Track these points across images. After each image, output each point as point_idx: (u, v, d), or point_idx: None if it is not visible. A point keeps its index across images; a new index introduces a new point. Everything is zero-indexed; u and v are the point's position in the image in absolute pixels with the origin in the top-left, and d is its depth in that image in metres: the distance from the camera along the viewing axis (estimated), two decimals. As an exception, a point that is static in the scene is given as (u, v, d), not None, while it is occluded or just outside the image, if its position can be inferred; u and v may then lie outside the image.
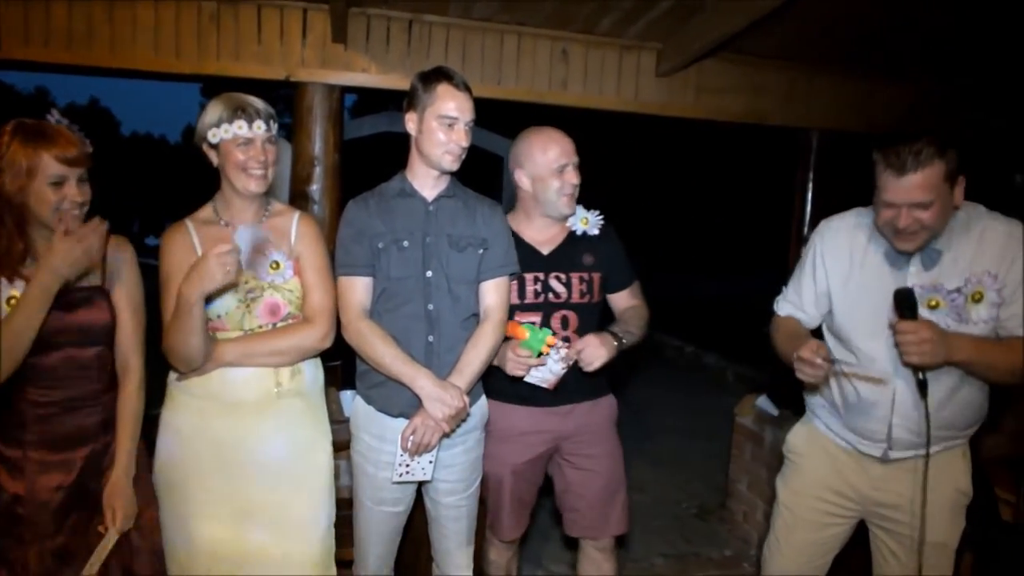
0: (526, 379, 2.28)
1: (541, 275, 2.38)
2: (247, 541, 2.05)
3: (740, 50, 3.37)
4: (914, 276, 1.97)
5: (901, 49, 3.25)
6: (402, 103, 2.18)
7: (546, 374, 2.29)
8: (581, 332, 2.35)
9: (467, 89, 2.12)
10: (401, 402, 2.17)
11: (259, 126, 1.98)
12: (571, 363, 2.29)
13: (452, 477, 2.29)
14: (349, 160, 3.19)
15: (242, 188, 2.02)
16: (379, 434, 2.23)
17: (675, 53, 3.19)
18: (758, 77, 3.53)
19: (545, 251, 2.41)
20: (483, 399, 2.35)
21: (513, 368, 2.22)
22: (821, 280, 2.15)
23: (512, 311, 2.31)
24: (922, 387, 1.87)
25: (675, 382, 7.81)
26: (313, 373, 2.19)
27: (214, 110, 1.97)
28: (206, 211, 2.12)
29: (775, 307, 2.31)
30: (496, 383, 2.37)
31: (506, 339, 2.25)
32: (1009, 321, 1.91)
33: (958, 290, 1.92)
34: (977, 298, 1.91)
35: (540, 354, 2.21)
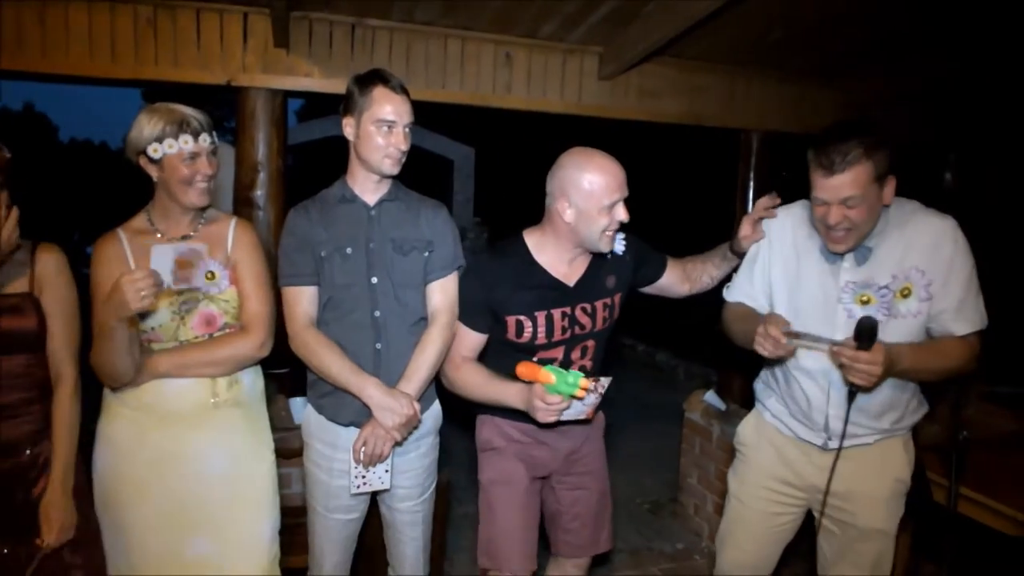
0: (562, 418, 2.08)
1: (568, 309, 2.18)
2: (188, 555, 2.02)
3: (680, 54, 3.43)
4: (847, 272, 2.04)
5: (830, 53, 3.36)
6: None
7: (579, 408, 2.08)
8: (596, 355, 2.29)
9: (404, 92, 2.11)
10: (351, 411, 2.16)
11: (204, 139, 1.97)
12: (604, 392, 2.07)
13: (407, 483, 2.29)
14: (301, 164, 3.16)
15: (187, 202, 2.00)
16: (331, 442, 2.22)
17: (616, 57, 3.24)
18: (697, 80, 3.60)
19: (571, 283, 2.20)
20: (437, 404, 2.35)
21: (544, 416, 2.01)
22: (767, 268, 2.21)
23: (536, 350, 2.19)
24: (851, 396, 1.96)
25: (628, 380, 7.88)
26: (252, 382, 2.17)
27: (153, 124, 1.93)
28: (139, 220, 2.07)
29: (725, 295, 2.35)
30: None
31: (522, 380, 2.04)
32: (940, 316, 1.99)
33: (887, 286, 1.99)
34: (905, 293, 1.98)
35: (572, 397, 1.98)
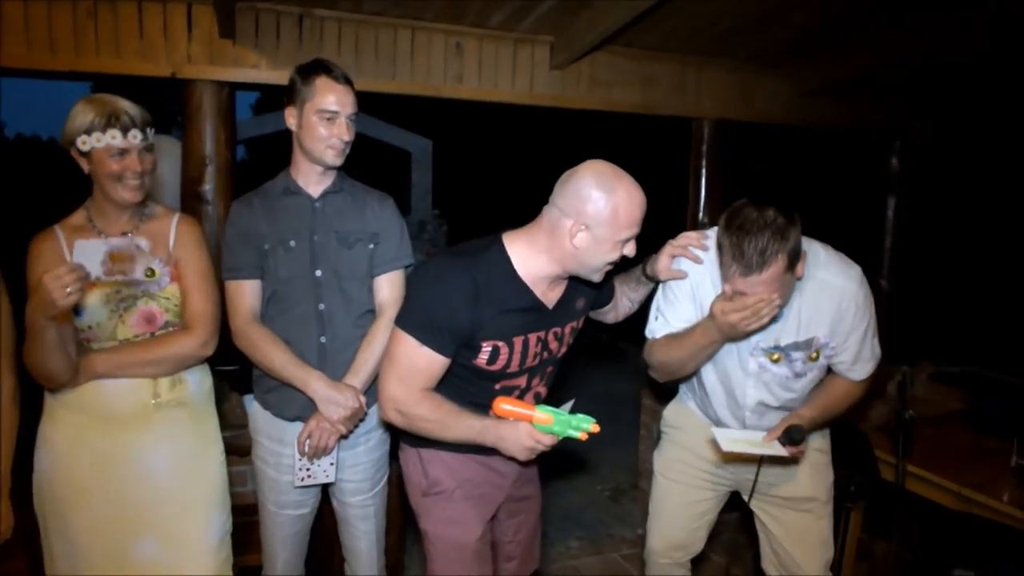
0: None
1: (543, 334, 1.91)
2: (135, 557, 1.98)
3: (631, 43, 3.45)
4: (757, 335, 2.05)
5: (776, 40, 3.40)
6: None
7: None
8: (550, 380, 2.08)
9: (347, 82, 2.09)
10: (296, 405, 2.14)
11: (134, 135, 1.89)
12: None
13: (356, 477, 2.28)
14: (256, 158, 3.11)
15: (117, 199, 1.93)
16: (278, 438, 2.20)
17: (567, 46, 3.24)
18: (648, 69, 3.61)
19: (550, 305, 1.91)
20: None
21: (528, 457, 1.85)
22: (697, 302, 2.14)
23: (503, 377, 1.90)
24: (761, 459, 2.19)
25: (592, 369, 7.94)
26: (199, 381, 2.12)
27: (84, 114, 1.87)
28: (78, 217, 2.01)
29: (648, 335, 2.23)
30: None
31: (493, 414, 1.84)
32: (839, 366, 2.15)
33: (795, 345, 2.06)
34: (814, 358, 2.09)
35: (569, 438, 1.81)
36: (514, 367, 1.87)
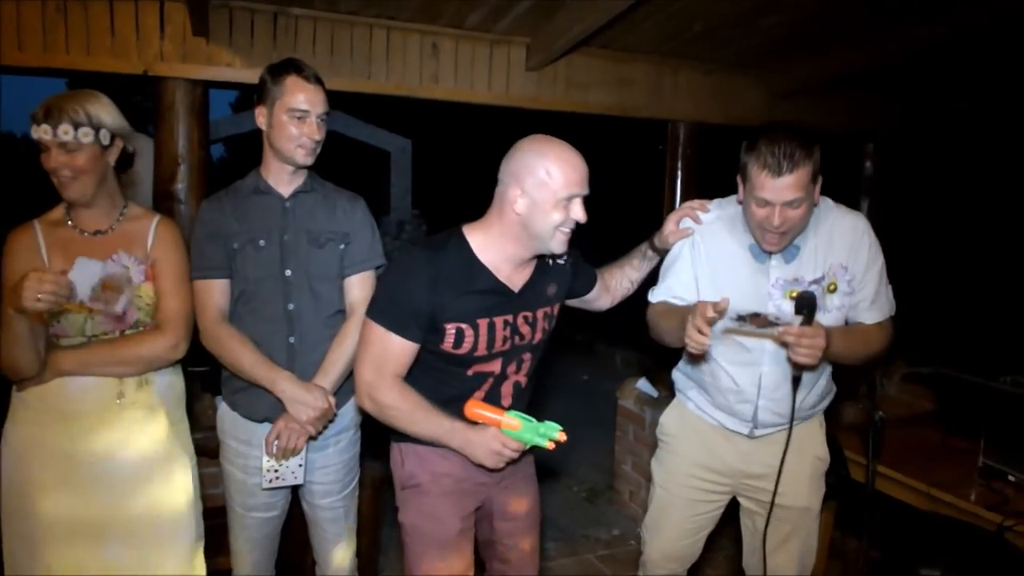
0: None
1: (510, 318, 1.91)
2: (102, 559, 1.96)
3: (607, 45, 3.47)
4: (776, 269, 2.08)
5: (750, 44, 3.43)
6: None
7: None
8: (530, 371, 2.06)
9: (318, 81, 2.09)
10: (264, 406, 2.13)
11: (65, 131, 1.84)
12: None
13: (327, 479, 2.27)
14: (235, 157, 3.07)
15: (63, 195, 1.93)
16: (246, 439, 2.18)
17: (543, 47, 3.25)
18: (624, 71, 3.63)
19: (516, 289, 1.93)
20: (356, 398, 2.32)
21: (496, 463, 1.88)
22: (692, 266, 2.21)
23: (473, 361, 1.91)
24: (795, 382, 2.01)
25: (568, 369, 7.97)
26: (168, 383, 2.10)
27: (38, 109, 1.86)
28: (57, 212, 2.00)
29: (649, 296, 2.30)
30: None
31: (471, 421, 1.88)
32: (857, 307, 2.09)
33: (816, 281, 2.05)
34: (832, 289, 2.06)
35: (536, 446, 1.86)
36: (481, 350, 1.89)
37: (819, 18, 3.05)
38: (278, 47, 3.02)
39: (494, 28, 3.26)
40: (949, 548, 2.54)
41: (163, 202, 2.95)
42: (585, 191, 1.84)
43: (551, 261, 2.01)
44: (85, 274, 1.84)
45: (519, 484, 2.14)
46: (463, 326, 1.86)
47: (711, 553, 3.45)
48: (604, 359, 8.02)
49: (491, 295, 1.88)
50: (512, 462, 1.96)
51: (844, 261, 2.05)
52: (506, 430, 1.82)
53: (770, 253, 2.07)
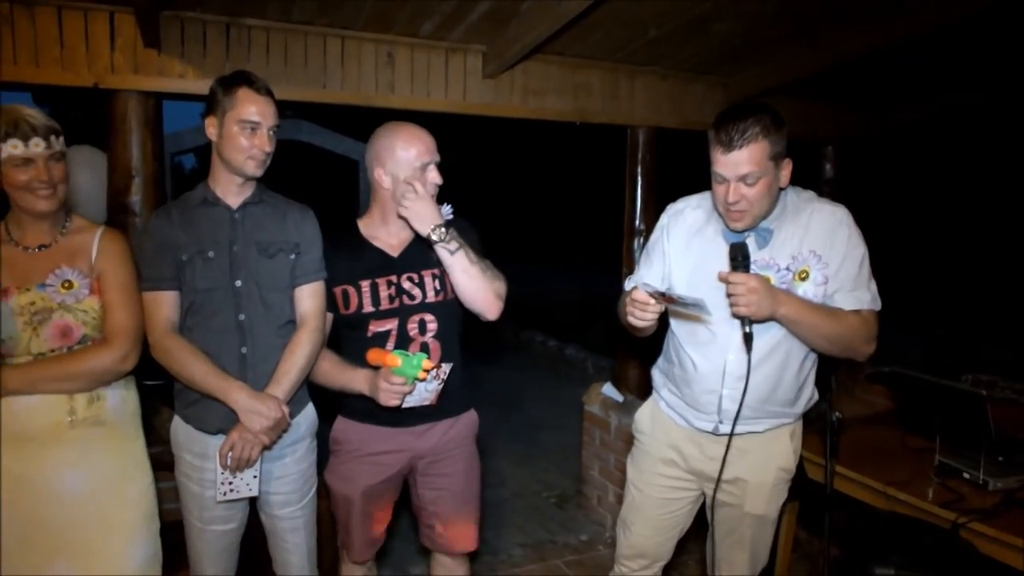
0: (404, 405, 2.17)
1: (394, 278, 2.23)
2: None
3: (563, 52, 3.49)
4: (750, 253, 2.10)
5: (704, 49, 3.47)
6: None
7: (423, 394, 2.18)
8: (441, 334, 2.26)
9: (269, 93, 2.10)
10: (217, 418, 2.11)
11: (36, 144, 1.86)
12: (445, 378, 2.17)
13: (284, 489, 2.26)
14: (204, 167, 3.03)
15: (29, 208, 1.91)
16: (200, 452, 2.16)
17: (498, 55, 3.27)
18: (581, 77, 3.66)
19: (395, 253, 2.26)
20: (310, 407, 2.32)
21: (387, 399, 2.10)
22: (665, 253, 2.26)
23: (367, 320, 2.21)
24: (747, 339, 1.99)
25: (538, 375, 7.99)
26: (120, 398, 2.08)
27: None
28: None
29: (625, 286, 2.38)
30: (348, 399, 2.30)
31: (372, 367, 2.14)
32: (833, 295, 2.07)
33: (787, 268, 2.07)
34: (803, 276, 2.06)
35: (415, 379, 2.09)
36: (368, 308, 2.22)
37: (770, 24, 3.09)
38: (231, 58, 3.00)
39: (448, 36, 3.26)
40: (905, 546, 2.56)
41: (117, 215, 2.92)
42: (436, 158, 2.21)
43: None
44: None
45: (448, 462, 2.37)
46: (347, 287, 2.23)
47: (683, 556, 3.47)
48: (575, 365, 8.04)
49: (370, 260, 2.24)
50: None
51: (819, 249, 2.05)
52: (392, 369, 2.06)
53: (742, 235, 2.09)
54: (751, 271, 2.02)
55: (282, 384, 2.12)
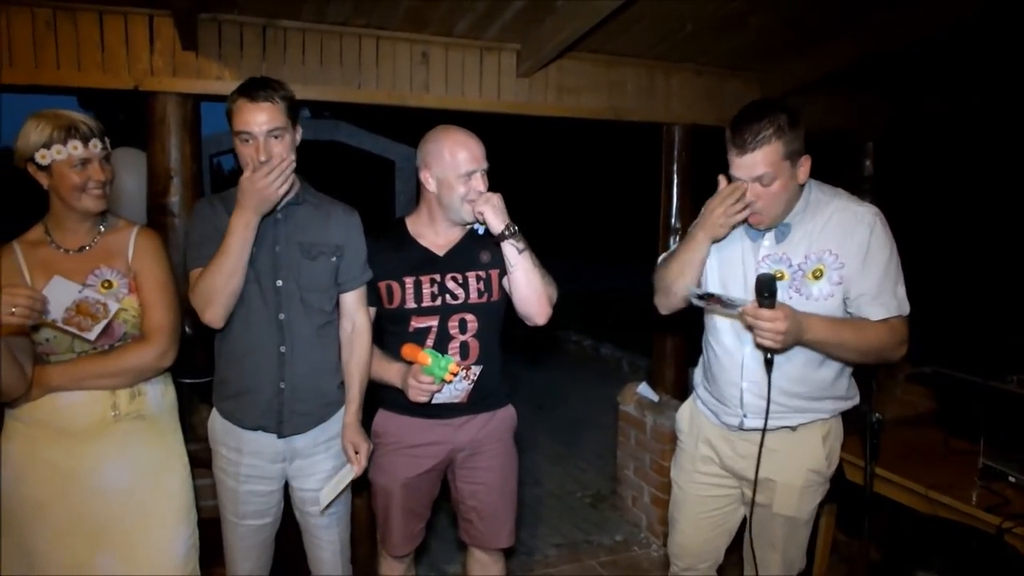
0: (432, 401, 2.22)
1: (437, 276, 2.26)
2: (95, 572, 1.96)
3: (597, 49, 3.46)
4: (767, 248, 2.10)
5: (741, 44, 3.42)
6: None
7: (452, 392, 2.25)
8: (481, 334, 2.28)
9: (267, 98, 2.01)
10: (256, 414, 2.13)
11: (95, 144, 1.92)
12: (476, 379, 2.26)
13: (317, 486, 2.27)
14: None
15: (81, 208, 1.95)
16: (237, 447, 2.19)
17: (532, 53, 3.25)
18: (616, 75, 3.62)
19: (441, 253, 2.29)
20: (343, 409, 2.33)
21: (415, 395, 2.15)
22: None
23: (409, 316, 2.25)
24: (768, 365, 1.99)
25: (574, 375, 7.95)
26: (160, 393, 2.12)
27: (40, 129, 1.88)
28: (36, 232, 2.02)
29: (658, 262, 2.40)
30: (387, 392, 2.33)
31: (407, 362, 2.18)
32: (858, 300, 2.02)
33: (799, 266, 2.04)
34: (817, 275, 2.02)
35: (443, 380, 2.12)
36: (410, 303, 2.25)
37: (802, 19, 3.04)
38: (268, 59, 3.03)
39: (483, 35, 3.26)
40: (948, 550, 2.51)
41: (156, 216, 2.96)
42: (482, 166, 2.22)
43: (482, 232, 2.27)
44: (60, 294, 1.84)
45: (484, 456, 2.39)
46: (391, 283, 2.26)
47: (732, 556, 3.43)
48: (611, 364, 8.01)
49: (417, 258, 2.27)
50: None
51: (835, 248, 2.01)
52: (422, 367, 2.11)
53: (763, 231, 2.09)
54: (776, 293, 1.93)
55: (355, 403, 2.27)
